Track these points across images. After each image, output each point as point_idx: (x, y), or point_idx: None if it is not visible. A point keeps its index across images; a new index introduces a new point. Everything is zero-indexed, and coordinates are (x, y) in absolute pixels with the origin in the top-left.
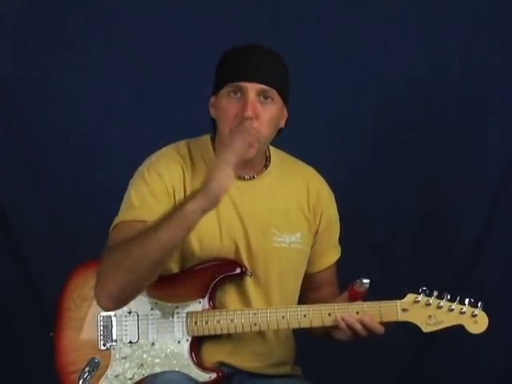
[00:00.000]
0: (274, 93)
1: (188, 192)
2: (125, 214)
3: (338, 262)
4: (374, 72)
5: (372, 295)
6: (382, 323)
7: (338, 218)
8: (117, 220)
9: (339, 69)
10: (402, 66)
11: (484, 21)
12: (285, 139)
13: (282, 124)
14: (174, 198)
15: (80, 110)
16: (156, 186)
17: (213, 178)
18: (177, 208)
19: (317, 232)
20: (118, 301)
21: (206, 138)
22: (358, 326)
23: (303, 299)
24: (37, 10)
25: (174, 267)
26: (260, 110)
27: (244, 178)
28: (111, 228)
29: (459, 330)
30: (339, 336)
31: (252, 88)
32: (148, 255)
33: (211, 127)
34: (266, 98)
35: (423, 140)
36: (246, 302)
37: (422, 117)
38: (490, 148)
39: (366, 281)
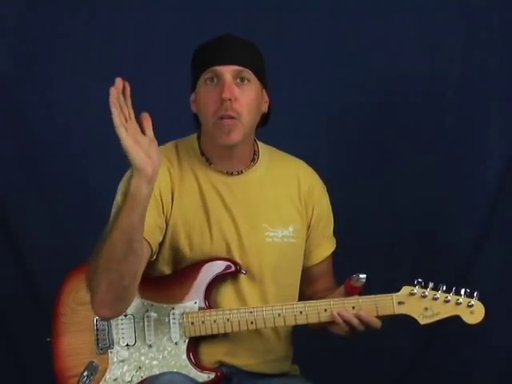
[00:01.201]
0: (249, 73)
1: (176, 194)
2: None
3: (334, 254)
4: (373, 72)
5: (371, 294)
6: (378, 317)
7: (330, 209)
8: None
9: (339, 68)
10: (402, 66)
11: (484, 21)
12: (284, 139)
13: (265, 109)
14: (162, 200)
15: (80, 110)
16: None
17: (125, 150)
18: (123, 193)
19: (310, 225)
20: (113, 306)
21: (193, 136)
22: (355, 321)
23: (299, 293)
24: (37, 9)
25: (166, 269)
26: (238, 92)
27: (232, 174)
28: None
29: (459, 330)
30: (336, 331)
31: (227, 70)
32: (115, 247)
33: (195, 125)
34: (242, 79)
35: (423, 140)
36: (241, 299)
37: (422, 117)
38: (490, 148)
39: (362, 276)
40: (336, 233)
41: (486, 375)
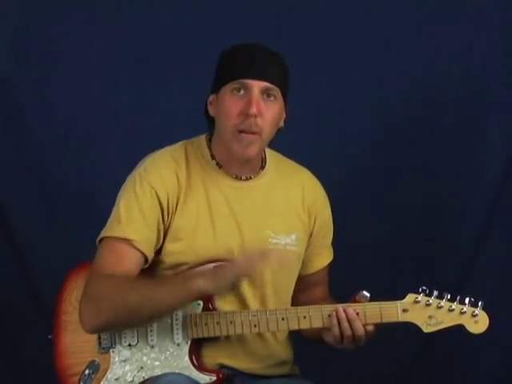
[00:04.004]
0: (277, 91)
1: (181, 197)
2: (111, 229)
3: (331, 264)
4: (373, 72)
5: (372, 295)
6: (382, 324)
7: (331, 220)
8: (104, 233)
9: (339, 69)
10: (402, 66)
11: (484, 21)
12: (284, 139)
13: (282, 124)
14: (168, 204)
15: (80, 110)
16: (146, 200)
17: (224, 275)
18: (185, 278)
19: (311, 234)
20: (101, 332)
21: (202, 138)
22: (345, 324)
23: (293, 299)
24: (37, 10)
25: (170, 273)
26: (263, 107)
27: (240, 179)
28: (98, 239)
29: (459, 329)
30: (328, 338)
31: (257, 85)
32: (144, 311)
33: (208, 126)
34: (268, 96)
35: (423, 140)
36: (242, 303)
37: (422, 117)
38: (490, 148)
39: (367, 294)
40: (336, 233)
41: (486, 375)
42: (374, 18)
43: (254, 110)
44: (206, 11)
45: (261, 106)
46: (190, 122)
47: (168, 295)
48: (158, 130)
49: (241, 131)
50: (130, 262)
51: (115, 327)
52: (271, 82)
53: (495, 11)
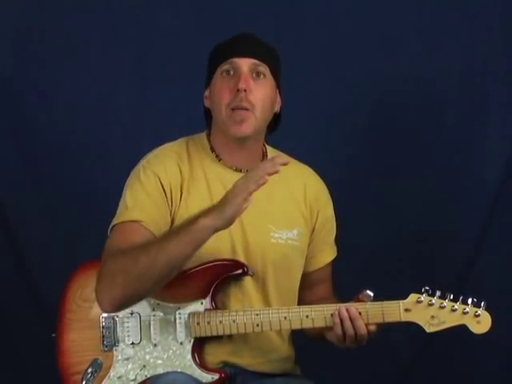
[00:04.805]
0: (265, 68)
1: (184, 190)
2: (120, 216)
3: (334, 262)
4: (373, 72)
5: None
6: (384, 323)
7: (334, 217)
8: (114, 221)
9: (339, 69)
10: (402, 66)
11: (484, 21)
12: (284, 138)
13: (277, 109)
14: (171, 194)
15: (80, 110)
16: (150, 185)
17: (230, 201)
18: (189, 222)
19: (313, 230)
20: (121, 306)
21: (203, 134)
22: (348, 323)
23: (298, 299)
24: (37, 10)
25: None
26: (253, 85)
27: (241, 171)
28: (109, 229)
29: (459, 329)
30: (329, 337)
31: (244, 63)
32: (156, 267)
33: (206, 122)
34: (258, 74)
35: (423, 140)
36: (245, 298)
37: (422, 117)
38: (490, 148)
39: (370, 293)
40: (336, 232)
41: (486, 375)
42: (373, 18)
43: (242, 85)
44: (206, 11)
45: (250, 82)
46: (189, 121)
47: (178, 244)
48: (157, 130)
49: (233, 109)
50: (141, 238)
51: (135, 294)
52: (258, 59)
53: (495, 11)
